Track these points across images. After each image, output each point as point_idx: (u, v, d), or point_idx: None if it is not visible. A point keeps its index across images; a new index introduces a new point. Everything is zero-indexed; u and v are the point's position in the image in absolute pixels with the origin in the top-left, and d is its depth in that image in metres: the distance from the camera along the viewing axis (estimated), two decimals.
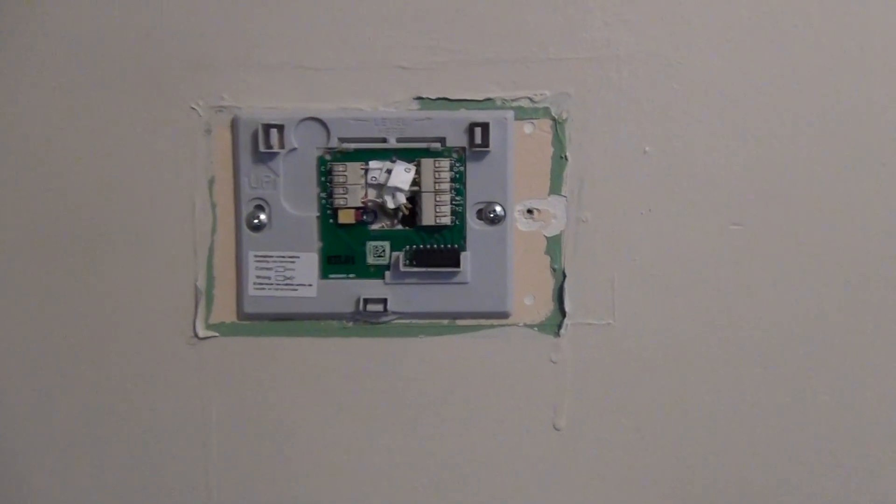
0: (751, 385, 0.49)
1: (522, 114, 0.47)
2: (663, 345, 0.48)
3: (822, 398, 0.49)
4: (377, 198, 0.47)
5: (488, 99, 0.47)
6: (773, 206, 0.47)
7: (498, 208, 0.47)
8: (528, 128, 0.47)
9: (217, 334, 0.49)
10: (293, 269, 0.48)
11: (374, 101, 0.47)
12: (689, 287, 0.48)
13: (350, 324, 0.49)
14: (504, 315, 0.48)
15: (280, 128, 0.46)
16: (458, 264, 0.46)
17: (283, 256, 0.48)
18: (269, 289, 0.48)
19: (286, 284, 0.48)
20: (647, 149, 0.47)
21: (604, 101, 0.47)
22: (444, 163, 0.46)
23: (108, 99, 0.48)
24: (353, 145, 0.47)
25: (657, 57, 0.46)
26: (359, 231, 0.47)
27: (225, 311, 0.49)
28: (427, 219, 0.46)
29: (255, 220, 0.47)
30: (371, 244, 0.47)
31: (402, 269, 0.47)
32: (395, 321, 0.48)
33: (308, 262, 0.48)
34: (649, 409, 0.49)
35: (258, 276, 0.48)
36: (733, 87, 0.47)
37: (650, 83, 0.46)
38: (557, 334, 0.48)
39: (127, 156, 0.48)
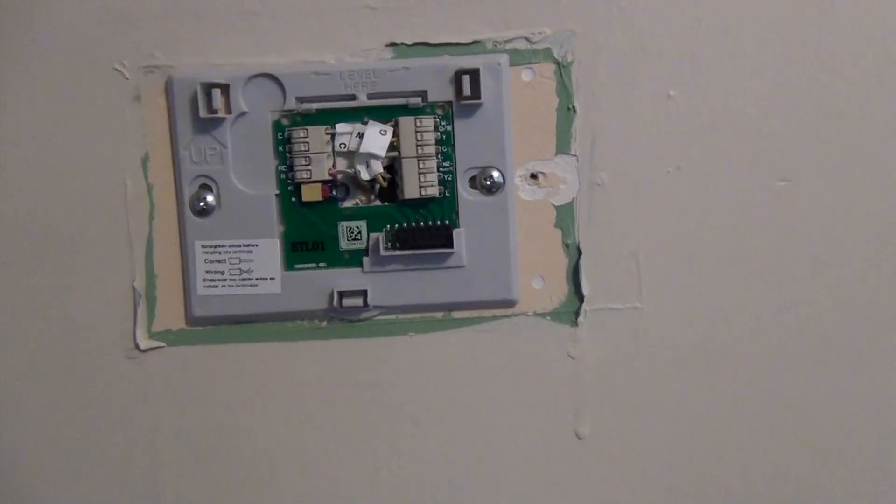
0: (808, 377, 0.43)
1: (519, 57, 0.41)
2: (702, 330, 0.43)
3: (891, 390, 0.43)
4: (348, 168, 0.41)
5: (476, 41, 0.41)
6: (827, 155, 0.41)
7: (495, 174, 0.41)
8: (526, 74, 0.41)
9: (163, 344, 0.43)
10: (251, 261, 0.42)
11: (337, 50, 0.41)
12: (729, 259, 0.42)
13: (323, 323, 0.43)
14: (509, 303, 0.42)
15: (225, 88, 0.40)
16: (450, 244, 0.41)
17: (238, 245, 0.42)
18: (223, 286, 0.42)
19: (243, 279, 0.42)
20: (671, 93, 0.41)
21: (617, 38, 0.41)
22: (428, 121, 0.40)
23: (9, 64, 0.41)
24: (315, 105, 0.41)
25: None
26: (328, 210, 0.42)
27: (170, 315, 0.43)
28: (410, 191, 0.41)
29: (201, 203, 0.41)
30: (344, 225, 0.42)
31: (382, 253, 0.41)
32: (378, 317, 0.43)
33: (268, 251, 0.42)
34: (688, 409, 0.43)
35: (208, 272, 0.42)
36: (775, 15, 0.41)
37: (673, 12, 0.41)
38: (575, 323, 0.43)
39: (39, 133, 0.42)
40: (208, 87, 0.40)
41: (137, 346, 0.43)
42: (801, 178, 0.41)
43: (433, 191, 0.40)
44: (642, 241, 0.42)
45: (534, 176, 0.42)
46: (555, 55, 0.41)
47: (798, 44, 0.40)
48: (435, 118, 0.40)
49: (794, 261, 0.42)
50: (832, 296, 0.42)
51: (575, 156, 0.41)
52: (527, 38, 0.41)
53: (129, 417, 0.43)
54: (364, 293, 0.41)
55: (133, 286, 0.42)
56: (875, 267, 0.42)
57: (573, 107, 0.41)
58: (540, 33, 0.41)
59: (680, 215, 0.42)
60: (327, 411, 0.43)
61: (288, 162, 0.41)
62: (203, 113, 0.40)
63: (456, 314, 0.43)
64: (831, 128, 0.41)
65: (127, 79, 0.41)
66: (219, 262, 0.42)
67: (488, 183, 0.41)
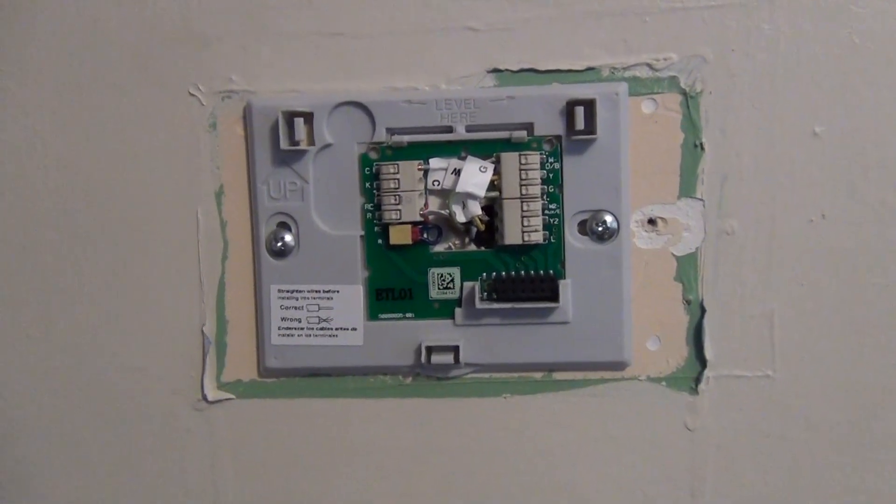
0: None
1: (639, 86, 0.37)
2: (843, 404, 0.38)
3: None
4: (441, 209, 0.38)
5: (591, 68, 0.37)
6: None
7: (608, 219, 0.37)
8: (647, 106, 0.37)
9: (232, 396, 0.40)
10: (331, 308, 0.38)
11: (433, 76, 0.38)
12: (879, 323, 0.37)
13: (408, 380, 0.40)
14: (620, 365, 0.39)
15: (308, 117, 0.38)
16: (555, 297, 0.37)
17: (317, 291, 0.38)
18: (300, 335, 0.39)
19: (322, 329, 0.39)
20: (817, 129, 0.37)
21: (754, 65, 0.37)
22: (534, 158, 0.37)
23: (80, 88, 0.39)
24: (406, 138, 0.38)
25: None
26: (417, 254, 0.38)
27: (241, 365, 0.40)
28: (511, 236, 0.37)
29: (279, 243, 0.38)
30: (435, 272, 0.38)
31: (478, 305, 0.37)
32: (470, 376, 0.39)
33: (350, 299, 0.38)
34: (824, 496, 0.38)
35: (284, 319, 0.39)
36: None
37: (822, 36, 0.36)
38: (694, 391, 0.39)
39: (108, 161, 0.39)
40: (290, 116, 0.37)
41: (205, 398, 0.40)
42: None
43: (537, 236, 0.37)
44: (777, 299, 0.37)
45: (652, 222, 0.38)
46: (681, 84, 0.37)
47: None
48: (542, 154, 0.37)
49: None
50: None
51: (701, 200, 0.37)
52: (649, 65, 0.37)
53: (192, 474, 0.40)
54: (455, 349, 0.38)
55: (202, 331, 0.39)
56: None
57: (701, 144, 0.37)
58: (665, 59, 0.37)
59: (823, 271, 0.37)
60: (408, 478, 0.40)
61: (375, 200, 0.37)
62: (284, 144, 0.37)
63: (558, 375, 0.39)
64: None
65: (202, 104, 0.38)
66: (296, 308, 0.38)
67: (600, 229, 0.37)
